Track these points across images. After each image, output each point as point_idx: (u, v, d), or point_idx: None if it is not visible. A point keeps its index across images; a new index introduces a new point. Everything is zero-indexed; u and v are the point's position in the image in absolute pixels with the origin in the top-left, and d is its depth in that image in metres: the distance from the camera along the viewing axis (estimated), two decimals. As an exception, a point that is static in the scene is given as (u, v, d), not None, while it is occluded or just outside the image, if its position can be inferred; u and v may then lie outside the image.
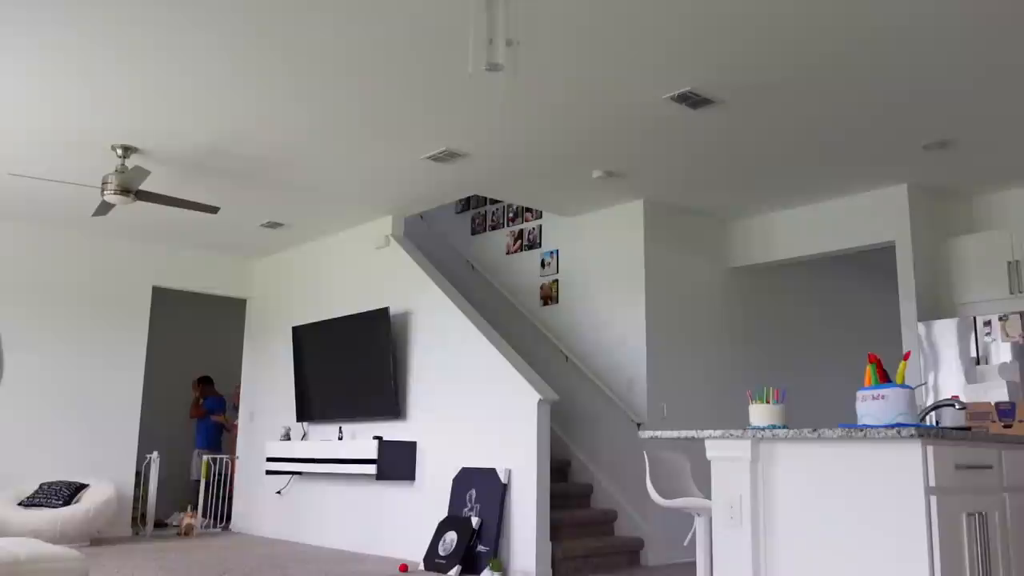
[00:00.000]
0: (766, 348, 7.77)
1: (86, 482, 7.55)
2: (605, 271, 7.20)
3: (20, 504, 7.22)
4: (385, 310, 7.07)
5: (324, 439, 7.67)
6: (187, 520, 8.47)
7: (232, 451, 9.19)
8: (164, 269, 8.69)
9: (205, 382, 9.79)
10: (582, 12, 3.99)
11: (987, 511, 2.77)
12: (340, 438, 7.48)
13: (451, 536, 6.02)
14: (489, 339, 6.39)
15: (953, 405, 3.60)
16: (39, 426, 7.79)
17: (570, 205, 7.24)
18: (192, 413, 9.73)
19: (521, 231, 8.15)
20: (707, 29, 4.14)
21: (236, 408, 9.34)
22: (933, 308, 6.40)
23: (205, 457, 8.97)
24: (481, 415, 6.33)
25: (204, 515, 8.81)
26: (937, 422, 5.51)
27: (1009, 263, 6.16)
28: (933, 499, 2.57)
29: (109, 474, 8.06)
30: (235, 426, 9.39)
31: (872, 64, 4.50)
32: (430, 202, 7.20)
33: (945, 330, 6.06)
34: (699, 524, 4.06)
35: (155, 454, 8.53)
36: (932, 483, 2.58)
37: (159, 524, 8.83)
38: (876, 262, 8.32)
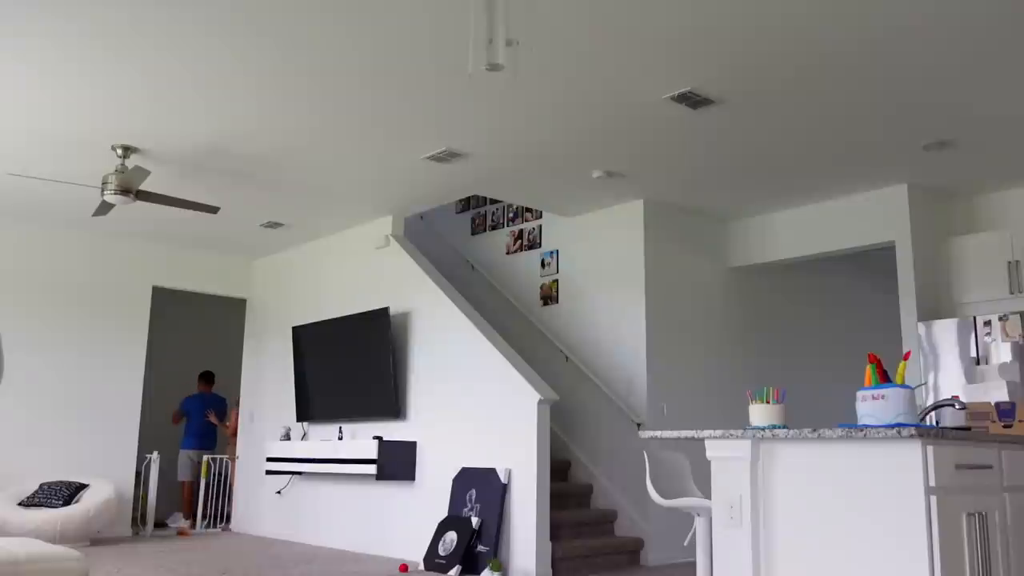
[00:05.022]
0: (766, 348, 7.77)
1: (86, 482, 7.55)
2: (605, 271, 7.20)
3: (20, 504, 7.22)
4: (385, 310, 7.07)
5: (324, 439, 7.67)
6: (182, 526, 8.61)
7: (232, 452, 9.18)
8: (164, 269, 8.69)
9: (203, 379, 9.73)
10: (582, 12, 3.99)
11: (987, 511, 2.78)
12: (340, 438, 7.48)
13: (451, 536, 6.02)
14: (489, 339, 6.39)
15: (953, 405, 3.59)
16: (39, 426, 7.79)
17: (570, 205, 7.24)
18: (174, 420, 9.66)
19: (521, 231, 8.15)
20: (707, 29, 4.14)
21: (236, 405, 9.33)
22: (933, 308, 6.40)
23: (205, 457, 8.97)
24: (481, 415, 6.33)
25: (204, 515, 8.82)
26: (937, 422, 5.51)
27: (1009, 263, 6.16)
28: (933, 499, 2.57)
29: (109, 474, 8.06)
30: (228, 427, 9.39)
31: (872, 64, 4.50)
32: (430, 202, 7.20)
33: (945, 330, 6.06)
34: (699, 524, 4.06)
35: (155, 454, 8.53)
36: (932, 483, 2.58)
37: (159, 524, 8.83)
38: (876, 262, 8.32)
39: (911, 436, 2.57)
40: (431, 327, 6.95)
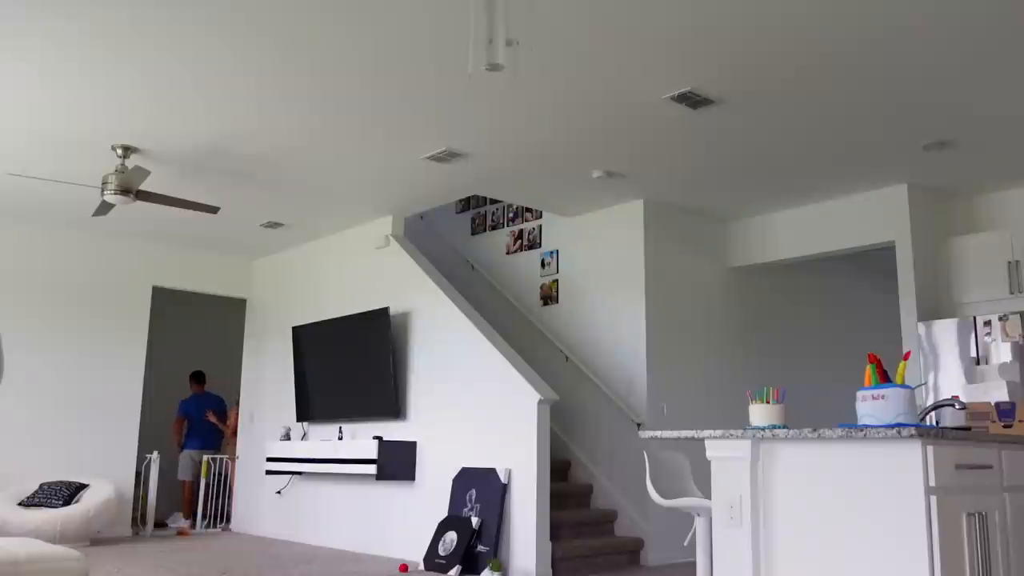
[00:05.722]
0: (766, 348, 7.77)
1: (86, 482, 7.55)
2: (605, 271, 7.20)
3: (20, 504, 7.22)
4: (385, 310, 7.07)
5: (324, 439, 7.67)
6: (182, 526, 8.63)
7: (232, 452, 9.18)
8: (164, 269, 8.69)
9: (195, 380, 9.71)
10: (582, 12, 3.99)
11: (987, 511, 2.78)
12: (340, 438, 7.48)
13: (451, 536, 6.02)
14: (489, 339, 6.39)
15: (953, 405, 3.59)
16: (39, 426, 7.79)
17: (570, 205, 7.24)
18: (177, 428, 9.63)
19: (521, 231, 8.15)
20: (707, 29, 4.14)
21: (236, 404, 9.33)
22: (933, 308, 6.40)
23: (206, 457, 8.97)
24: (481, 415, 6.33)
25: (204, 515, 8.82)
26: (937, 422, 5.51)
27: (1009, 263, 6.16)
28: (933, 499, 2.57)
29: (109, 474, 8.06)
30: (228, 427, 9.40)
31: (872, 64, 4.50)
32: (430, 202, 7.20)
33: (945, 330, 6.06)
34: (699, 524, 4.06)
35: (155, 454, 8.53)
36: (932, 483, 2.58)
37: (159, 524, 8.83)
38: (876, 262, 8.32)
39: (911, 436, 2.57)
40: (431, 327, 6.95)
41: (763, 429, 2.97)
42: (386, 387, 7.01)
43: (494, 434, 6.19)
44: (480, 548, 5.90)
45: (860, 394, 2.94)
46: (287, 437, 8.02)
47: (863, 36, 4.19)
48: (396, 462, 6.72)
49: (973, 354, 5.89)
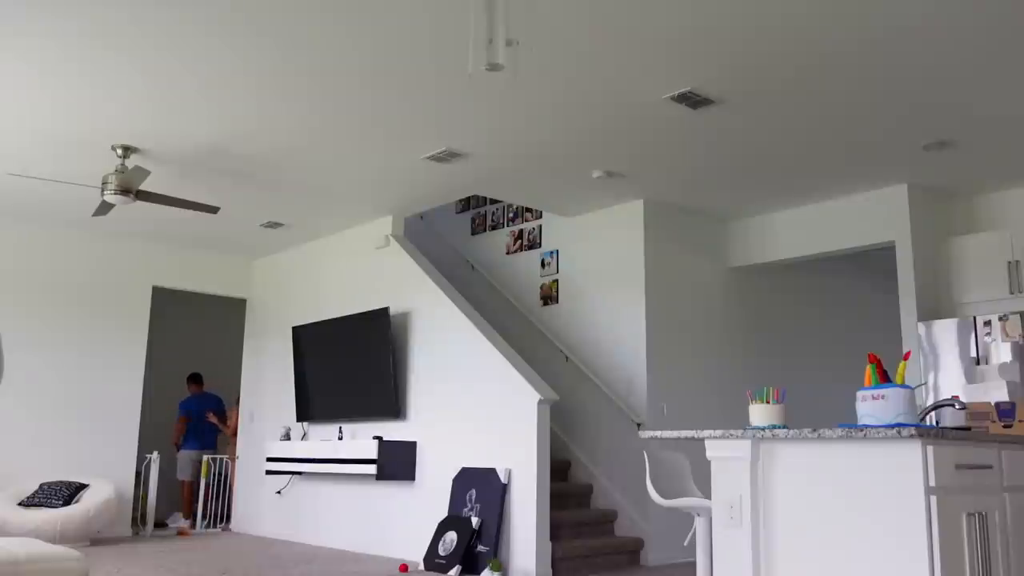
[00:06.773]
0: (766, 348, 7.77)
1: (86, 482, 7.55)
2: (605, 271, 7.20)
3: (20, 504, 7.22)
4: (385, 310, 7.07)
5: (324, 439, 7.67)
6: (182, 526, 8.63)
7: (232, 452, 9.18)
8: (164, 269, 8.69)
9: (194, 381, 9.70)
10: (582, 12, 3.99)
11: (987, 511, 2.78)
12: (340, 438, 7.48)
13: (451, 536, 6.02)
14: (489, 339, 6.39)
15: (953, 405, 3.59)
16: (39, 426, 7.79)
17: (570, 205, 7.24)
18: (180, 428, 9.62)
19: (521, 231, 8.15)
20: (707, 29, 4.14)
21: (236, 403, 9.33)
22: (933, 308, 6.40)
23: (205, 457, 8.97)
24: (481, 415, 6.33)
25: (204, 515, 8.82)
26: (937, 422, 5.51)
27: (1009, 263, 6.16)
28: (933, 499, 2.57)
29: (109, 474, 8.06)
30: (229, 427, 9.40)
31: (872, 64, 4.50)
32: (430, 202, 7.20)
33: (945, 330, 6.06)
34: (699, 524, 4.06)
35: (155, 454, 8.53)
36: (932, 483, 2.58)
37: (159, 524, 8.83)
38: (876, 262, 8.32)
39: (911, 436, 2.57)
40: (431, 327, 6.95)
41: (763, 429, 2.97)
42: (386, 387, 7.01)
43: (494, 434, 6.19)
44: (480, 548, 5.90)
45: (860, 394, 2.94)
46: (287, 437, 8.02)
47: (863, 36, 4.19)
48: (396, 462, 6.72)
49: (973, 354, 5.89)
